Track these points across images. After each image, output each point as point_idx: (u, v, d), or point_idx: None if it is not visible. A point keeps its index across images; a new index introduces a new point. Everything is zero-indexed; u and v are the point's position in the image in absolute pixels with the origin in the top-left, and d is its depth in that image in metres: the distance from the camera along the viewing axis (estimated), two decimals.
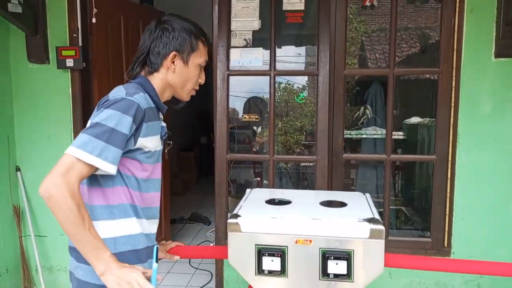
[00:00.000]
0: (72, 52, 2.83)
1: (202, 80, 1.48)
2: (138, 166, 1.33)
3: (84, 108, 2.97)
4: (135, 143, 1.29)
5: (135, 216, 1.34)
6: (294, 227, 1.56)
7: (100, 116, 1.22)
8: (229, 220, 1.59)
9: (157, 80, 1.41)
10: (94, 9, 2.82)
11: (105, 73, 3.06)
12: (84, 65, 2.88)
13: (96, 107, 1.33)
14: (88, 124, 1.26)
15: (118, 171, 1.27)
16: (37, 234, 3.08)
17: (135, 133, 1.27)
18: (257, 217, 1.61)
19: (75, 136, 2.98)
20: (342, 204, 1.80)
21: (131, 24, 3.25)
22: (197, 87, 1.50)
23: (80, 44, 2.89)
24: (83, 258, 1.20)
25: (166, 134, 1.47)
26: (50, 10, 2.91)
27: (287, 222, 1.57)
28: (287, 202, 1.82)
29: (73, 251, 1.31)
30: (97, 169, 1.20)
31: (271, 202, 1.85)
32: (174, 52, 1.39)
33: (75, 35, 2.89)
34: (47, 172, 1.14)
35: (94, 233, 1.17)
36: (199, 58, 1.44)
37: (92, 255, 1.17)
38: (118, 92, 1.30)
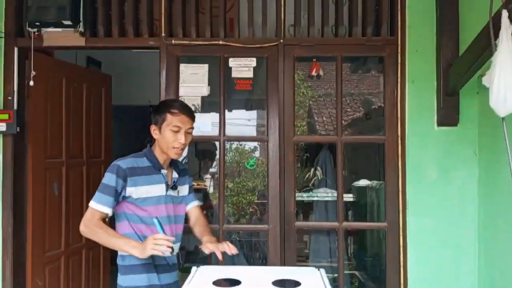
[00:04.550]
0: (6, 116, 2.64)
1: (180, 140, 1.91)
2: (137, 207, 1.90)
3: (15, 176, 2.73)
4: (125, 192, 1.87)
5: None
6: None
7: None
8: None
9: (155, 146, 1.99)
10: (32, 71, 2.66)
11: (41, 138, 2.85)
12: (18, 130, 2.68)
13: None
14: None
15: (122, 211, 1.91)
16: None
17: (125, 185, 1.86)
18: None
19: (3, 205, 2.72)
20: (295, 284, 1.68)
21: (74, 87, 3.12)
22: (176, 145, 1.92)
23: (15, 107, 2.70)
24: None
25: (173, 182, 2.00)
26: None
27: None
28: (237, 282, 1.68)
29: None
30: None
31: (219, 283, 1.70)
32: (152, 125, 1.97)
33: (10, 97, 2.71)
34: None
35: (118, 236, 1.86)
36: (169, 125, 1.91)
37: (127, 247, 1.81)
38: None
